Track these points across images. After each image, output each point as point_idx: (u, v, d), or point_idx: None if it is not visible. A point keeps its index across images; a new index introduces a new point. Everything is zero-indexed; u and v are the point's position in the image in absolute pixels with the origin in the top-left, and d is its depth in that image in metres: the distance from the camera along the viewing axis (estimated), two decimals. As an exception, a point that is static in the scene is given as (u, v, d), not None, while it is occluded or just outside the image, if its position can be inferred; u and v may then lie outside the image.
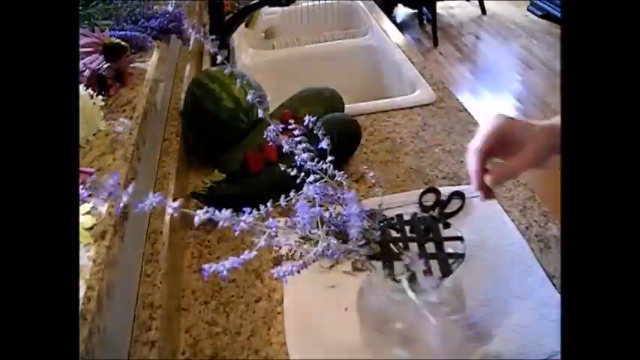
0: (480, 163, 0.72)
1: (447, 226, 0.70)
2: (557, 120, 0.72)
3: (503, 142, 0.72)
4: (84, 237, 0.54)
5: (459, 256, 0.66)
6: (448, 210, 0.96)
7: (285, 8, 1.92)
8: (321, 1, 2.00)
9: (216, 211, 0.55)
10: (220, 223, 0.55)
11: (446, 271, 0.64)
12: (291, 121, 0.65)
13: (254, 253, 0.57)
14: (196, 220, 0.55)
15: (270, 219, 0.60)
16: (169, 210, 0.56)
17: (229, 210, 0.57)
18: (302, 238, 0.65)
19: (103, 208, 0.59)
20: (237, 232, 0.56)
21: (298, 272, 0.60)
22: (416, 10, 5.01)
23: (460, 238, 0.66)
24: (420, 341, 0.67)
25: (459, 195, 0.98)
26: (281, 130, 0.66)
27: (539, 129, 0.71)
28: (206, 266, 0.55)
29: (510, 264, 0.86)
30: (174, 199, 0.90)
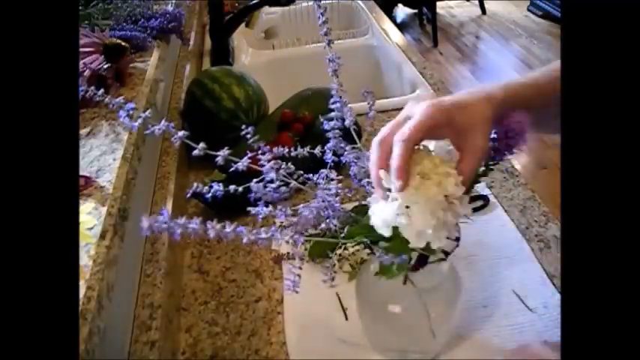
0: (407, 156, 0.55)
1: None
2: (500, 85, 0.64)
3: (441, 130, 0.58)
4: (84, 237, 0.55)
5: (444, 253, 0.63)
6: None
7: (285, 8, 1.92)
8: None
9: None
10: (244, 240, 0.54)
11: (419, 264, 0.62)
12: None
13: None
14: (211, 234, 0.52)
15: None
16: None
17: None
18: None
19: (104, 209, 0.59)
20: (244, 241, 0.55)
21: (300, 268, 0.59)
22: (416, 10, 5.01)
23: (457, 239, 0.65)
24: (416, 326, 0.67)
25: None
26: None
27: (482, 105, 0.59)
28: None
29: (510, 264, 0.86)
30: (174, 199, 0.90)
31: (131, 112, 0.55)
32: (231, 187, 0.60)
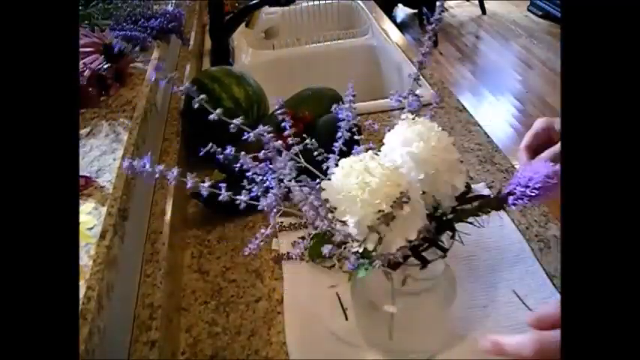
0: (525, 160, 0.78)
1: (452, 235, 0.63)
2: None
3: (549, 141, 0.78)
4: (84, 237, 0.55)
5: (442, 251, 0.61)
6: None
7: (286, 8, 1.92)
8: (321, 1, 2.00)
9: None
10: (261, 206, 0.55)
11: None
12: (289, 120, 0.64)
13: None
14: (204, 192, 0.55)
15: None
16: (171, 180, 0.56)
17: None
18: (302, 238, 0.65)
19: (104, 209, 0.59)
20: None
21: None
22: (416, 10, 5.01)
23: (444, 250, 0.62)
24: (410, 326, 0.67)
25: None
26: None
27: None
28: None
29: (510, 264, 0.86)
30: (174, 199, 0.90)
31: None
32: (224, 194, 0.59)
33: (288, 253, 0.89)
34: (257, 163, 0.59)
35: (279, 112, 0.62)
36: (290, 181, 0.56)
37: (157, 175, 0.56)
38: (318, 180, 0.60)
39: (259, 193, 0.58)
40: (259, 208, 0.57)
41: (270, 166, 0.60)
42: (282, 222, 0.95)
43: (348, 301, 0.80)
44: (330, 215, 0.53)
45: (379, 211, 0.50)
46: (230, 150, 0.61)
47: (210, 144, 0.60)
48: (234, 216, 0.99)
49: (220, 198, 0.59)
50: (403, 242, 0.52)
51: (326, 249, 0.53)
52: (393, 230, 0.51)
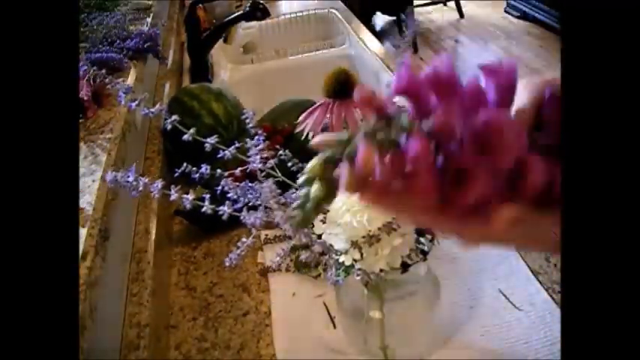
0: None
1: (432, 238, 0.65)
2: None
3: None
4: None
5: (422, 254, 0.60)
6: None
7: (263, 22, 1.93)
8: (298, 14, 2.01)
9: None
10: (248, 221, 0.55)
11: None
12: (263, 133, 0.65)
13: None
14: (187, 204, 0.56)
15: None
16: (155, 192, 0.57)
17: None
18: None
19: (84, 230, 0.59)
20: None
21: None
22: (395, 18, 5.04)
23: (425, 253, 0.62)
24: (397, 330, 0.67)
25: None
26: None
27: None
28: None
29: (495, 263, 0.86)
30: (158, 217, 0.90)
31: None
32: (207, 206, 0.60)
33: (273, 265, 0.89)
34: (237, 184, 0.60)
35: (250, 126, 0.63)
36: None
37: (140, 188, 0.56)
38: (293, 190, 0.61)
39: (242, 204, 0.59)
40: (243, 221, 0.58)
41: (250, 184, 0.61)
42: (267, 234, 0.95)
43: (336, 310, 0.80)
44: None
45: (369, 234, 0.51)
46: (205, 168, 0.61)
47: (185, 164, 0.60)
48: (218, 232, 0.99)
49: (203, 209, 0.60)
50: (386, 267, 0.53)
51: (303, 256, 0.53)
52: (380, 256, 0.52)
